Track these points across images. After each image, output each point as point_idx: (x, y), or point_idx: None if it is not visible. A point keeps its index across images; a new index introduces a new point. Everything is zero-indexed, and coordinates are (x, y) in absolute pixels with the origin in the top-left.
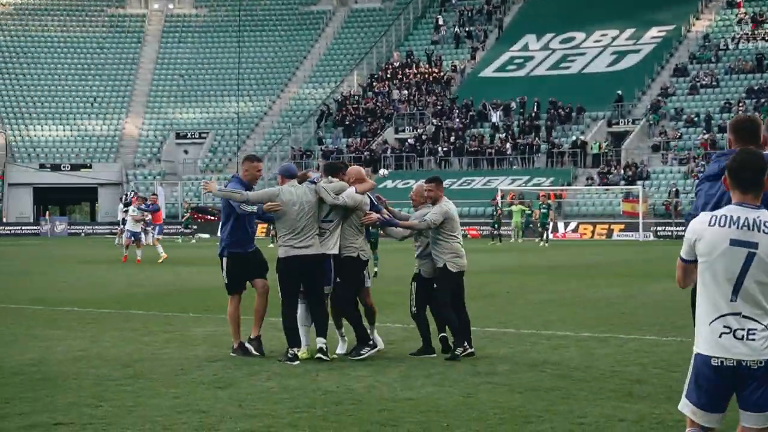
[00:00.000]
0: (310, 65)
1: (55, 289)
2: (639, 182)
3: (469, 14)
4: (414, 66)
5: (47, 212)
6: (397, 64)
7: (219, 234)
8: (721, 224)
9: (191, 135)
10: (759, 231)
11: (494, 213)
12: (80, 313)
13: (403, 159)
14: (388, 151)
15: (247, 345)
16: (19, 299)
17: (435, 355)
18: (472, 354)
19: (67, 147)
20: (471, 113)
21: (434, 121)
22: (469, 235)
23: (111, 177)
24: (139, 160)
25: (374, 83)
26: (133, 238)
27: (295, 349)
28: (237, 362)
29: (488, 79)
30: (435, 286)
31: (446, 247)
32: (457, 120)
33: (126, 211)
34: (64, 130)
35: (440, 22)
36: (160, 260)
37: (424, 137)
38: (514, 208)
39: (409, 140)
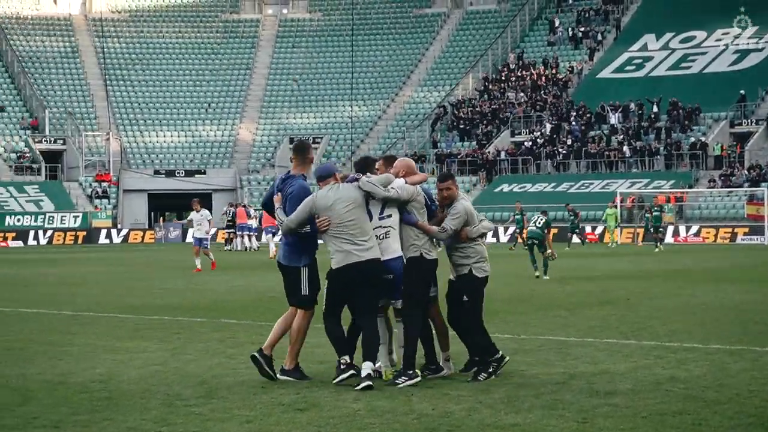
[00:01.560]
0: (424, 68)
1: (150, 296)
2: (763, 184)
3: (586, 15)
4: (530, 68)
5: (161, 218)
6: (513, 66)
7: (282, 241)
8: None
9: (305, 140)
10: None
11: (517, 217)
12: (168, 323)
13: (518, 162)
14: (502, 155)
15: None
16: (109, 307)
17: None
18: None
19: (182, 153)
20: (588, 115)
21: (551, 123)
22: (587, 240)
23: (225, 183)
24: (253, 165)
25: (489, 86)
26: (199, 245)
27: (346, 357)
28: (325, 379)
29: (606, 80)
30: (465, 298)
31: (470, 251)
32: (574, 122)
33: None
34: (178, 136)
35: (556, 23)
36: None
37: (540, 140)
38: (608, 211)
39: (525, 143)
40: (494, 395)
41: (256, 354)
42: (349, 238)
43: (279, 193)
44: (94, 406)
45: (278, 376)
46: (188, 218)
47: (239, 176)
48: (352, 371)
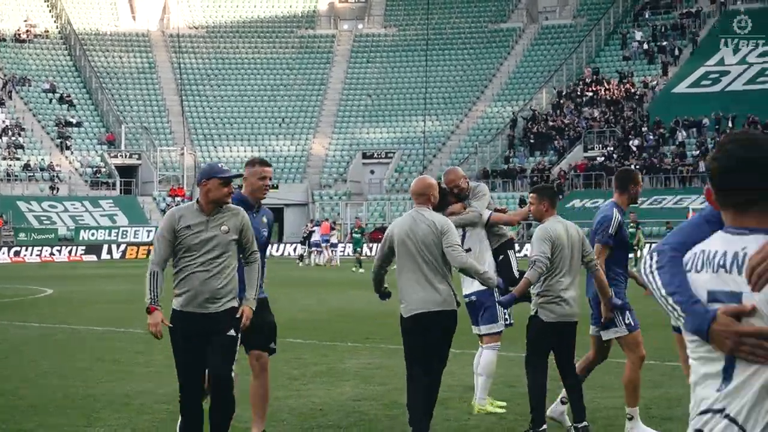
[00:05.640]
0: (499, 83)
1: None
2: None
3: (662, 29)
4: (604, 82)
5: None
6: (588, 81)
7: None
8: None
9: (378, 155)
10: None
11: (631, 231)
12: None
13: (591, 177)
14: (572, 171)
15: None
16: None
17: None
18: None
19: None
20: (662, 130)
21: (624, 138)
22: None
23: (297, 197)
24: (325, 180)
25: (563, 101)
26: None
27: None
28: (385, 403)
29: (681, 95)
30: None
31: (542, 286)
32: (650, 137)
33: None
34: (252, 151)
35: (635, 37)
36: None
37: (613, 155)
38: (632, 230)
39: (598, 158)
40: (549, 421)
41: None
42: None
43: None
44: (157, 428)
45: None
46: None
47: (311, 191)
48: None
